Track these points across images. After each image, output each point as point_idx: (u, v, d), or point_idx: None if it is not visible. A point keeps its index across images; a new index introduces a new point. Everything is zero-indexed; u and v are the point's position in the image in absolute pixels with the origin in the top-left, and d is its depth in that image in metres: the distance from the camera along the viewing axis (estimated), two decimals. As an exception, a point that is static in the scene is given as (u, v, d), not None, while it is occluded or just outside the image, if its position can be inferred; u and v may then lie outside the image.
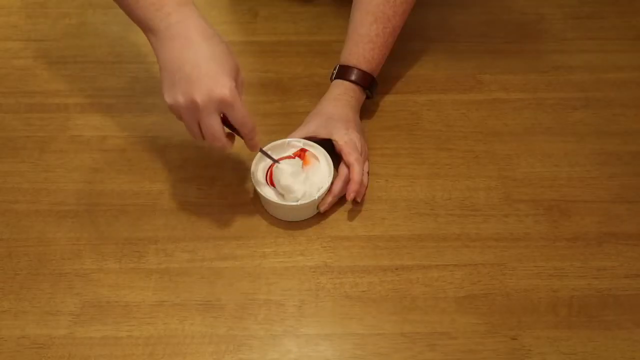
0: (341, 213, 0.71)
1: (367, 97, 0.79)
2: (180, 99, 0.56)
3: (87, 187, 0.73)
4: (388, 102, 0.84)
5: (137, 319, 0.62)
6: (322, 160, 0.70)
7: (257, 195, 0.70)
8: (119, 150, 0.77)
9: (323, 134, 0.71)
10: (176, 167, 0.75)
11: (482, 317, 0.62)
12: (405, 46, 0.89)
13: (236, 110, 0.58)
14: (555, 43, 0.93)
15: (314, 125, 0.72)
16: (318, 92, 0.80)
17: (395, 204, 0.72)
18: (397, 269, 0.66)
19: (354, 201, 0.71)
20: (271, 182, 0.68)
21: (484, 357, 0.59)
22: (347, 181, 0.69)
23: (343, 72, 0.76)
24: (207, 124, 0.58)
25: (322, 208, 0.69)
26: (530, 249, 0.67)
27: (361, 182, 0.69)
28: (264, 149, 0.67)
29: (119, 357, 0.59)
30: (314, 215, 0.70)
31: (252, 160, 0.69)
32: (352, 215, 0.71)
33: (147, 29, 0.59)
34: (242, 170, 0.74)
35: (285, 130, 0.75)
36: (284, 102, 0.84)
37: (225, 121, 0.60)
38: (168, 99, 0.57)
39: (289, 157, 0.70)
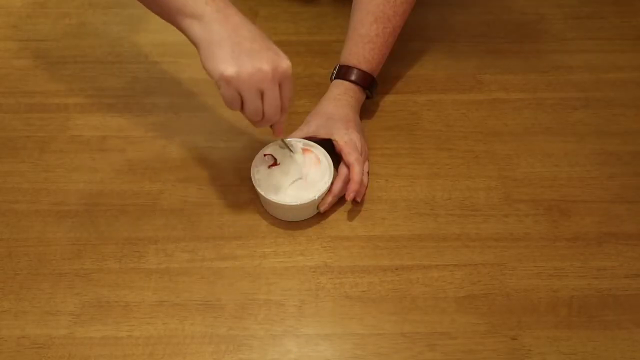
0: (341, 213, 0.71)
1: (367, 97, 0.79)
2: (248, 68, 0.56)
3: (87, 187, 0.73)
4: (388, 102, 0.84)
5: (137, 319, 0.62)
6: (322, 160, 0.70)
7: (257, 195, 0.70)
8: (119, 150, 0.77)
9: (323, 134, 0.71)
10: (176, 167, 0.75)
11: (482, 317, 0.62)
12: (405, 46, 0.89)
13: (291, 83, 0.60)
14: (555, 43, 0.93)
15: (314, 125, 0.72)
16: (318, 92, 0.80)
17: (395, 204, 0.72)
18: (397, 269, 0.66)
19: (354, 201, 0.71)
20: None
21: (484, 357, 0.59)
22: (347, 181, 0.69)
23: (343, 72, 0.76)
24: (273, 96, 0.59)
25: (322, 208, 0.69)
26: (530, 249, 0.67)
27: (361, 182, 0.69)
28: (282, 140, 0.68)
29: (119, 357, 0.59)
30: (314, 215, 0.70)
31: (252, 160, 0.69)
32: (352, 215, 0.71)
33: (188, 15, 0.58)
34: (242, 170, 0.74)
35: (285, 130, 0.75)
36: (284, 102, 0.84)
37: None
38: (229, 70, 0.56)
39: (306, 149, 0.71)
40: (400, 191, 0.73)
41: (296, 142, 0.71)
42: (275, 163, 0.69)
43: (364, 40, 0.75)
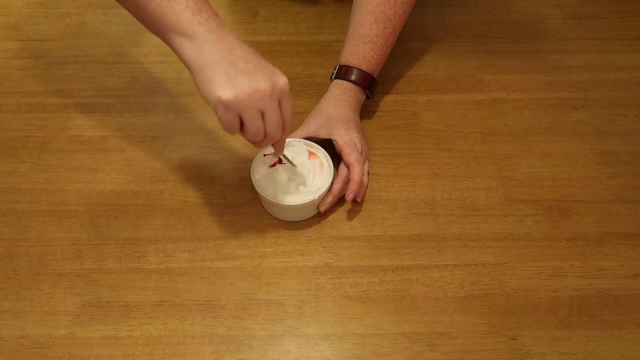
0: (341, 213, 0.71)
1: (367, 98, 0.79)
2: (245, 89, 0.55)
3: (87, 187, 0.73)
4: (388, 102, 0.84)
5: (137, 319, 0.62)
6: (322, 160, 0.70)
7: (257, 195, 0.70)
8: (119, 150, 0.77)
9: (323, 134, 0.71)
10: (176, 167, 0.75)
11: (482, 317, 0.62)
12: (405, 46, 0.89)
13: (290, 101, 0.59)
14: (555, 43, 0.93)
15: (314, 125, 0.72)
16: (318, 92, 0.80)
17: (395, 204, 0.72)
18: (397, 269, 0.66)
19: (354, 201, 0.71)
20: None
21: (484, 357, 0.59)
22: (347, 181, 0.69)
23: (343, 72, 0.76)
24: (273, 114, 0.57)
25: (322, 208, 0.69)
26: (530, 249, 0.67)
27: (361, 182, 0.69)
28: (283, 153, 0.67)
29: (119, 357, 0.59)
30: (314, 215, 0.70)
31: (252, 160, 0.69)
32: (352, 215, 0.71)
33: (180, 33, 0.57)
34: (242, 170, 0.74)
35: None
36: (284, 102, 0.84)
37: None
38: (226, 94, 0.55)
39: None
40: (400, 191, 0.73)
41: (297, 142, 0.71)
42: (278, 161, 0.69)
43: (364, 40, 0.75)
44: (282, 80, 0.57)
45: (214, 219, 0.70)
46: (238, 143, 0.78)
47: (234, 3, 1.00)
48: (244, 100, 0.55)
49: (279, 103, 0.57)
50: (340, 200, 0.71)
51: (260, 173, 0.69)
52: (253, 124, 0.57)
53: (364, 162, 0.71)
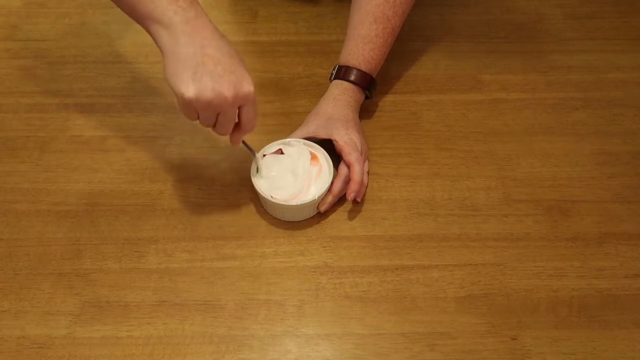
0: (341, 213, 0.71)
1: (367, 98, 0.79)
2: (208, 93, 0.56)
3: (87, 187, 0.73)
4: (388, 102, 0.84)
5: (137, 319, 0.62)
6: (322, 160, 0.70)
7: (257, 195, 0.70)
8: (119, 150, 0.77)
9: (323, 134, 0.71)
10: (176, 167, 0.75)
11: (482, 317, 0.62)
12: (405, 46, 0.89)
13: (253, 107, 0.60)
14: (555, 43, 0.93)
15: (314, 125, 0.72)
16: (318, 92, 0.80)
17: (395, 204, 0.72)
18: (397, 269, 0.66)
19: (354, 201, 0.71)
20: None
21: (484, 357, 0.59)
22: (347, 181, 0.69)
23: (342, 73, 0.76)
24: (227, 117, 0.59)
25: (322, 208, 0.69)
26: (530, 249, 0.67)
27: (361, 182, 0.69)
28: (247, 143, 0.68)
29: (119, 357, 0.59)
30: (314, 215, 0.70)
31: (252, 160, 0.69)
32: (352, 215, 0.71)
33: (156, 21, 0.57)
34: (242, 170, 0.74)
35: (285, 130, 0.75)
36: (283, 102, 0.84)
37: None
38: (189, 92, 0.56)
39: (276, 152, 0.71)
40: (400, 191, 0.73)
41: (297, 142, 0.71)
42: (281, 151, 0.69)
43: (364, 40, 0.75)
44: (247, 89, 0.57)
45: (214, 219, 0.70)
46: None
47: (234, 3, 1.00)
48: (204, 103, 0.57)
49: (241, 108, 0.59)
50: (340, 200, 0.71)
51: (260, 173, 0.69)
52: (205, 121, 0.60)
53: (364, 162, 0.71)
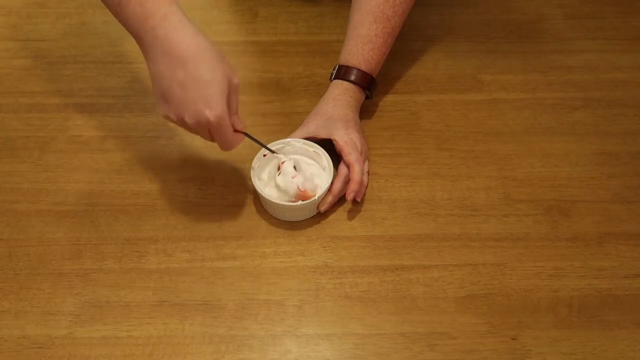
0: (341, 213, 0.71)
1: (367, 97, 0.79)
2: (172, 117, 0.59)
3: (87, 187, 0.73)
4: (388, 102, 0.84)
5: (137, 319, 0.62)
6: (322, 160, 0.70)
7: (257, 195, 0.71)
8: (119, 150, 0.77)
9: (323, 134, 0.71)
10: (176, 167, 0.75)
11: (482, 317, 0.62)
12: (405, 46, 0.89)
13: (222, 133, 0.60)
14: (555, 43, 0.93)
15: (314, 125, 0.72)
16: (318, 92, 0.80)
17: (395, 204, 0.72)
18: (397, 269, 0.66)
19: (354, 201, 0.71)
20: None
21: (484, 357, 0.59)
22: (347, 181, 0.69)
23: (342, 72, 0.76)
24: (203, 136, 0.61)
25: (322, 208, 0.69)
26: (530, 249, 0.67)
27: (361, 182, 0.69)
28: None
29: (119, 357, 0.59)
30: (314, 215, 0.70)
31: (252, 160, 0.69)
32: (352, 215, 0.71)
33: (133, 36, 0.60)
34: (242, 170, 0.74)
35: (285, 130, 0.75)
36: (283, 102, 0.84)
37: None
38: (160, 112, 0.60)
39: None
40: (400, 191, 0.73)
41: (297, 142, 0.71)
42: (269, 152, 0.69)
43: (364, 40, 0.75)
44: (212, 115, 0.56)
45: (214, 219, 0.70)
46: (241, 144, 0.78)
47: (234, 3, 1.00)
48: (173, 121, 0.59)
49: (212, 133, 0.60)
50: (340, 200, 0.71)
51: (260, 173, 0.69)
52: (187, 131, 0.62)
53: (364, 162, 0.71)
